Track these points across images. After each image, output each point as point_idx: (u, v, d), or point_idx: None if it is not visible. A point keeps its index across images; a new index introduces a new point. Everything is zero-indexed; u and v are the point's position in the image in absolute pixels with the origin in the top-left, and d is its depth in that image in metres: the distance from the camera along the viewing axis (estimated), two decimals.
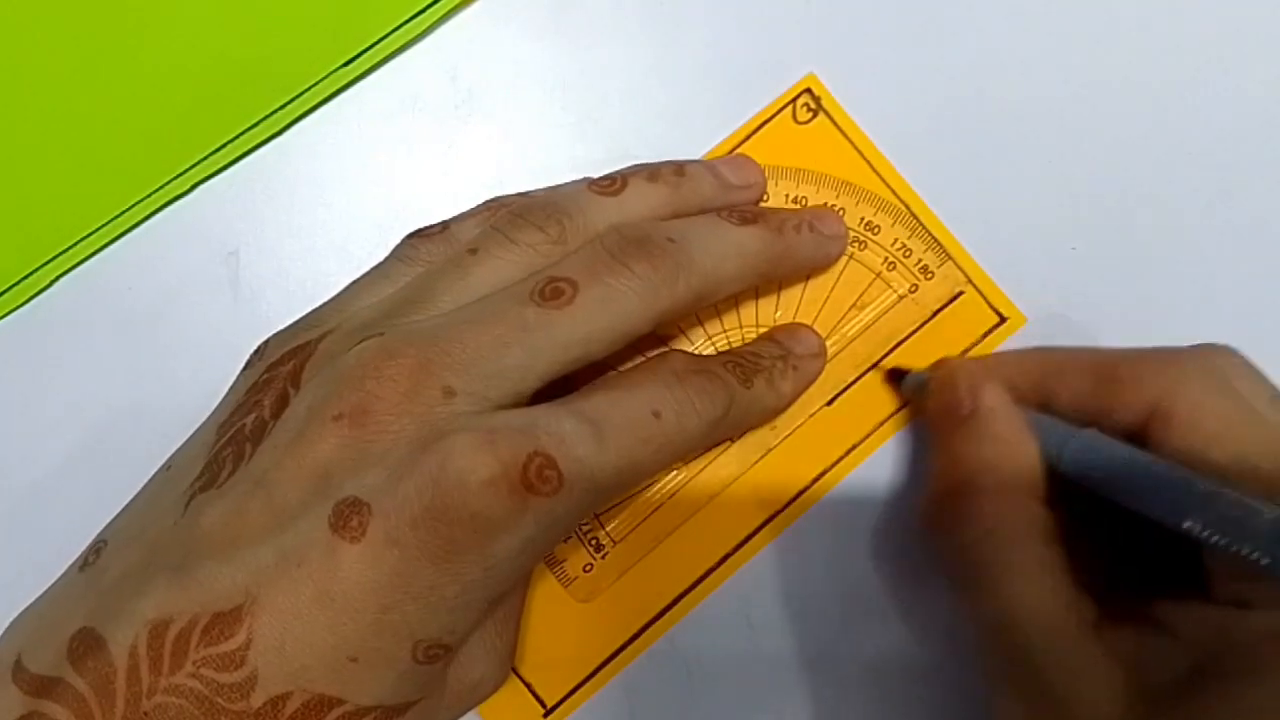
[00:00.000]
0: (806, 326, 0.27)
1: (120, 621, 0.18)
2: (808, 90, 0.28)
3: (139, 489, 0.22)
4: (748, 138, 0.28)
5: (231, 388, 0.22)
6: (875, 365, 0.27)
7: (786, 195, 0.27)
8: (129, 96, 0.27)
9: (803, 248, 0.25)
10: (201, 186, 0.28)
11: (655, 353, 0.26)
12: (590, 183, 0.24)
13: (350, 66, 0.27)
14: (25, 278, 0.27)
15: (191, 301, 0.27)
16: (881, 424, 0.27)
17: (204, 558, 0.19)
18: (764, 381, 0.25)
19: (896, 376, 0.27)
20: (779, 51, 0.28)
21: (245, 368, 0.23)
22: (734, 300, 0.27)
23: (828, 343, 0.27)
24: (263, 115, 0.27)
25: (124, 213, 0.27)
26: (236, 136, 0.27)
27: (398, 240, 0.24)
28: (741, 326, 0.27)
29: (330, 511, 0.18)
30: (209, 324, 0.27)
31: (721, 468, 0.27)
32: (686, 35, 0.28)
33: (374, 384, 0.19)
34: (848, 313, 0.27)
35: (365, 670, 0.19)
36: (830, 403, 0.27)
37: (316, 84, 0.27)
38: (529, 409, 0.20)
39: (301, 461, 0.19)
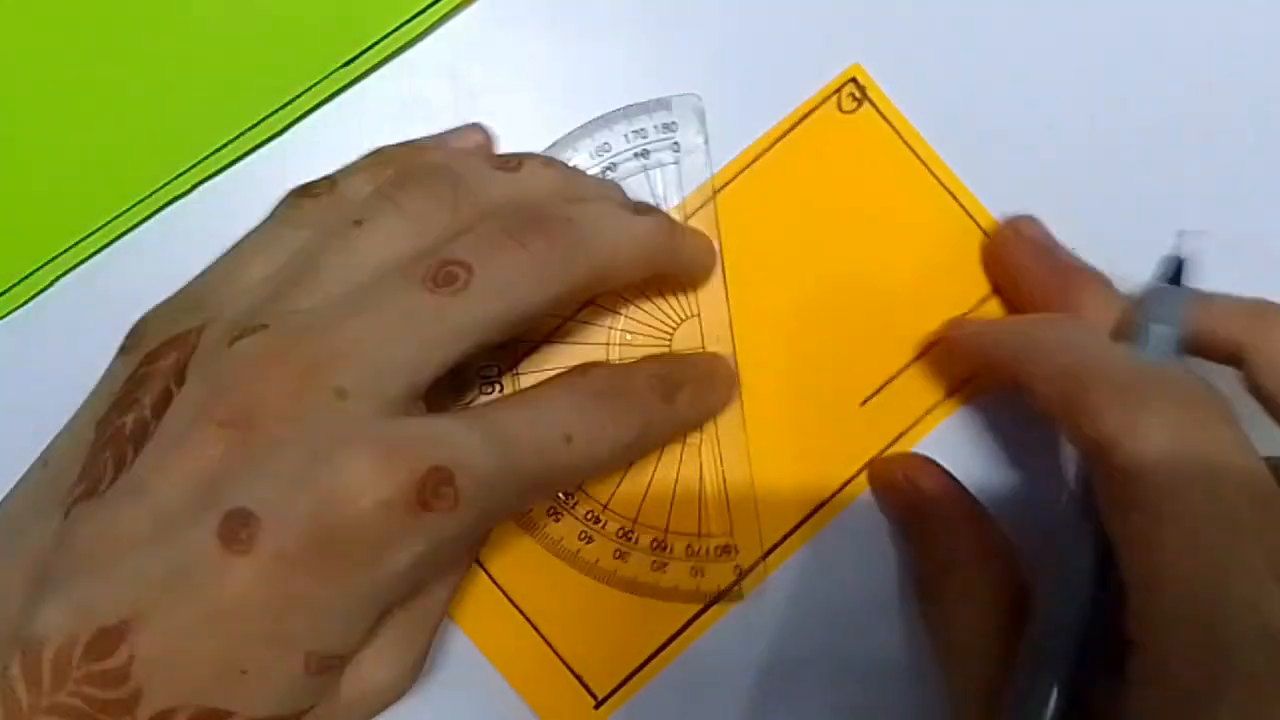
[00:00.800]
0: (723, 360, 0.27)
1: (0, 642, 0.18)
2: (853, 80, 0.27)
3: (16, 482, 0.21)
4: (793, 127, 0.27)
5: (107, 372, 0.21)
6: (912, 363, 0.27)
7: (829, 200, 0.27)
8: (130, 96, 0.27)
9: (689, 249, 0.25)
10: (201, 186, 0.27)
11: (576, 365, 0.25)
12: (485, 156, 0.23)
13: (350, 66, 0.27)
14: (25, 278, 0.27)
15: None
16: (910, 428, 0.27)
17: (85, 572, 0.18)
18: (688, 396, 0.24)
19: None
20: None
21: (121, 351, 0.21)
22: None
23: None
24: (263, 115, 0.27)
25: (124, 213, 0.27)
26: (236, 136, 0.27)
27: None
28: None
29: (219, 524, 0.18)
30: None
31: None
32: (688, 35, 0.28)
33: (261, 386, 0.18)
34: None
35: (256, 681, 0.18)
36: (865, 403, 0.27)
37: (316, 84, 0.27)
38: (434, 418, 0.19)
39: (186, 469, 0.18)
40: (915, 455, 0.27)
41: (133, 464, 0.19)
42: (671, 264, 0.25)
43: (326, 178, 0.23)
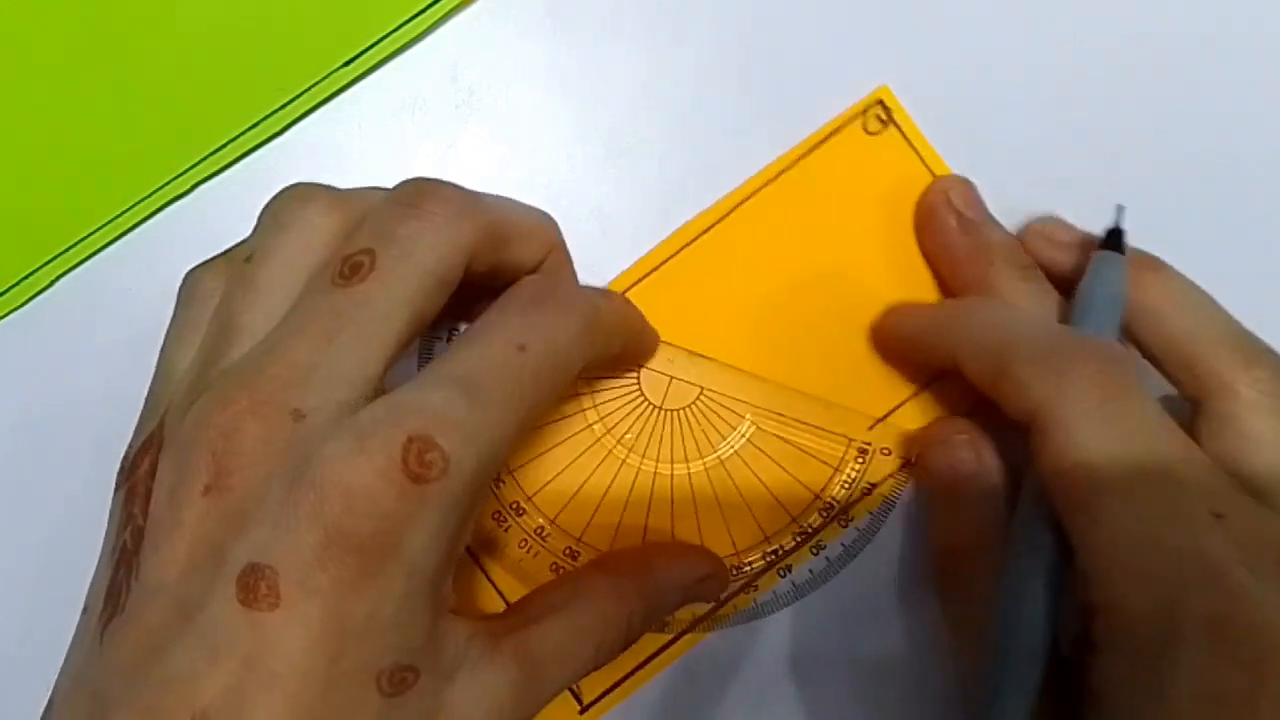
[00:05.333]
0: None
1: None
2: (880, 102, 0.27)
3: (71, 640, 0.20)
4: (817, 145, 0.27)
5: (110, 512, 0.21)
6: (924, 387, 0.27)
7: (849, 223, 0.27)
8: (129, 96, 0.27)
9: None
10: (201, 186, 0.28)
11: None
12: None
13: (350, 66, 0.27)
14: (25, 278, 0.27)
15: None
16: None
17: (136, 686, 0.17)
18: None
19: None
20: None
21: (115, 490, 0.21)
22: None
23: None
24: (263, 115, 0.27)
25: (124, 213, 0.27)
26: (236, 136, 0.27)
27: None
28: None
29: (235, 587, 0.17)
30: None
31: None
32: (687, 37, 0.28)
33: (221, 441, 0.18)
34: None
35: None
36: (882, 420, 0.27)
37: (316, 84, 0.27)
38: (391, 395, 0.19)
39: (185, 549, 0.18)
40: (960, 426, 0.26)
41: (140, 570, 0.18)
42: (565, 258, 0.24)
43: (223, 251, 0.23)
